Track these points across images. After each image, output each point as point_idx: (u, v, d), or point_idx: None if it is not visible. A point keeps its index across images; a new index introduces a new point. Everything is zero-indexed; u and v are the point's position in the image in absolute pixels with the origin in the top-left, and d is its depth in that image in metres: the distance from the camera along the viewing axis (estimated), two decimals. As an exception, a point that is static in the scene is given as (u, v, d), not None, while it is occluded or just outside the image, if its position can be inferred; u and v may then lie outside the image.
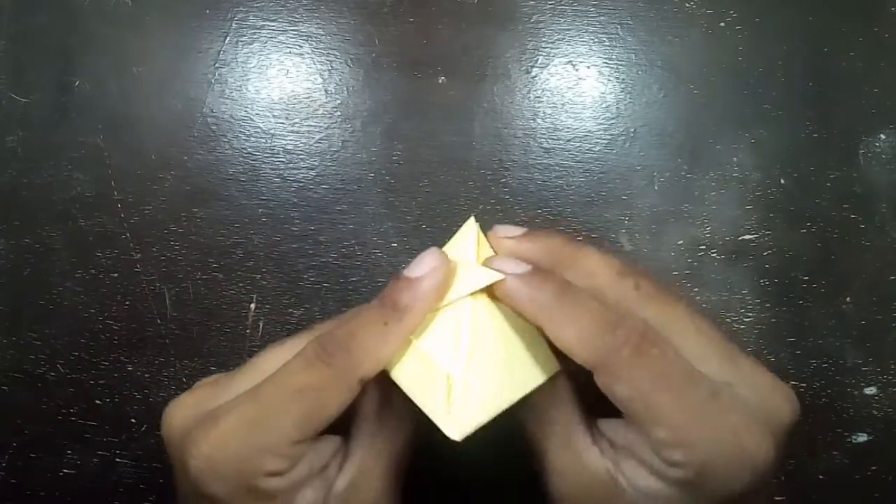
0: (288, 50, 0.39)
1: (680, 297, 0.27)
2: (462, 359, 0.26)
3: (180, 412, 0.26)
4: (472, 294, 0.26)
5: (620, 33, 0.39)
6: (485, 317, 0.26)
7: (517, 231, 0.27)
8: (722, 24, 0.39)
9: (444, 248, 0.28)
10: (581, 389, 0.27)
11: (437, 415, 0.25)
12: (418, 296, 0.25)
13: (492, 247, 0.28)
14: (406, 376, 0.26)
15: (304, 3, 0.39)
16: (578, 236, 0.38)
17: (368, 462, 0.26)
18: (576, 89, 0.39)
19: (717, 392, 0.24)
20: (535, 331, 0.26)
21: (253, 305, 0.38)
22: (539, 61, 0.39)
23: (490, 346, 0.26)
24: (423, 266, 0.26)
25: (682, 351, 0.24)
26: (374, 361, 0.25)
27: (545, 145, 0.38)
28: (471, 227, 0.28)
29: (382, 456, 0.27)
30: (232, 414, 0.24)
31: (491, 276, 0.26)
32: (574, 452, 0.25)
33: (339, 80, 0.39)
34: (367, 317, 0.25)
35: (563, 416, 0.26)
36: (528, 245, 0.27)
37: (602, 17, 0.39)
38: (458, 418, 0.25)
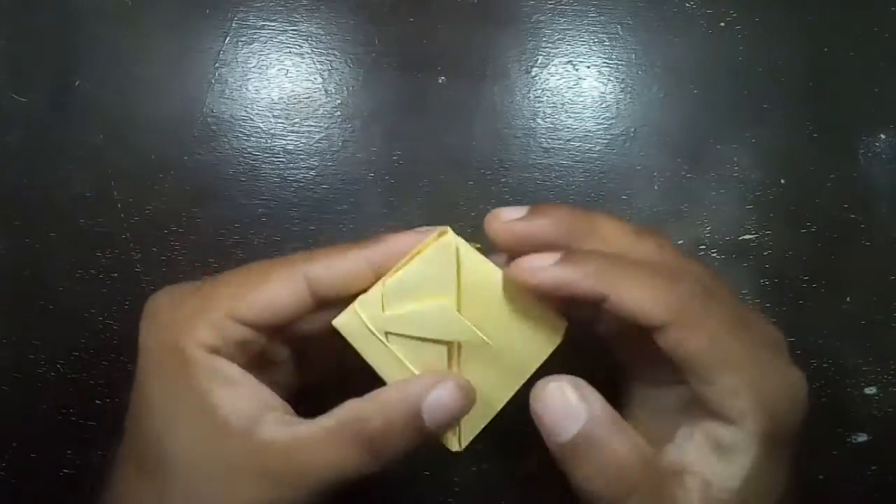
0: (288, 50, 0.39)
1: (693, 257, 0.26)
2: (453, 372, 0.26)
3: (154, 302, 0.27)
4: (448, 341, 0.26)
5: (620, 33, 0.39)
6: (469, 322, 0.26)
7: (520, 211, 0.26)
8: (722, 24, 0.39)
9: (410, 264, 0.26)
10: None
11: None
12: (398, 239, 0.26)
13: (491, 239, 0.26)
14: (389, 372, 0.26)
15: (304, 2, 0.39)
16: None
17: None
18: (576, 89, 0.39)
19: (766, 333, 0.25)
20: (521, 311, 0.26)
21: (253, 305, 0.38)
22: (539, 61, 0.39)
23: (478, 353, 0.26)
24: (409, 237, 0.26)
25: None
26: (327, 269, 0.25)
27: (545, 145, 0.38)
28: (448, 244, 0.26)
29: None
30: (190, 284, 0.27)
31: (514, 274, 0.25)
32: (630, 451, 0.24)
33: (339, 79, 0.39)
34: (343, 246, 0.26)
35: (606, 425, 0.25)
36: (538, 222, 0.25)
37: (602, 17, 0.39)
38: (461, 432, 0.26)
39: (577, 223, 0.25)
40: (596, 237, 0.25)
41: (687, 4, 0.39)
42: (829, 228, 0.38)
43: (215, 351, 0.25)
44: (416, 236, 0.26)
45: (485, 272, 0.26)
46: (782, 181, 0.38)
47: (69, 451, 0.38)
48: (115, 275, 0.38)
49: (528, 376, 0.26)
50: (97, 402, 0.38)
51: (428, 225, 0.38)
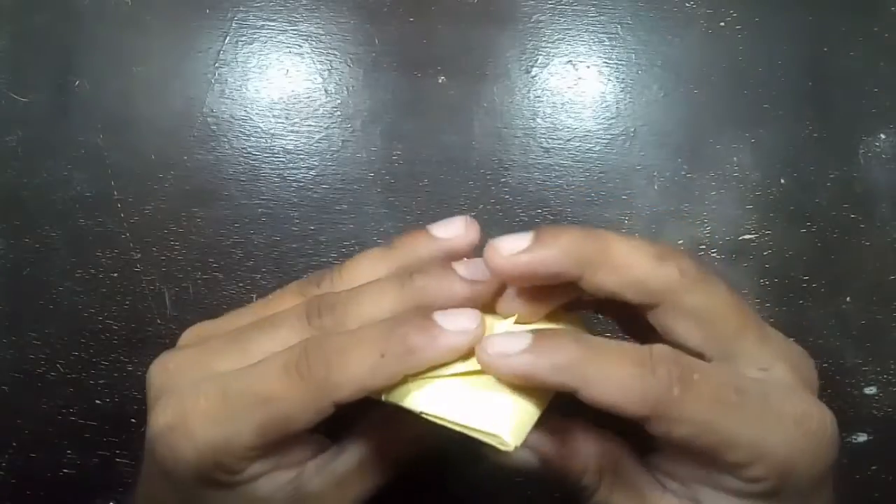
0: (288, 50, 0.39)
1: (718, 274, 0.24)
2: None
3: (159, 377, 0.26)
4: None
5: (620, 33, 0.39)
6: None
7: (523, 241, 0.23)
8: (722, 24, 0.39)
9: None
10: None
11: (489, 425, 0.22)
12: (435, 346, 0.22)
13: (494, 275, 0.24)
14: (426, 398, 0.23)
15: (304, 2, 0.39)
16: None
17: (350, 477, 0.25)
18: (575, 89, 0.39)
19: (765, 391, 0.23)
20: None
21: (253, 305, 0.38)
22: (539, 61, 0.39)
23: None
24: (458, 322, 0.22)
25: (723, 331, 0.23)
26: (356, 390, 0.22)
27: (545, 145, 0.38)
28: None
29: (365, 476, 0.25)
30: (199, 403, 0.23)
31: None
32: None
33: (339, 79, 0.39)
34: (367, 336, 0.22)
35: (626, 473, 0.24)
36: (543, 254, 0.23)
37: (602, 17, 0.39)
38: (508, 424, 0.22)
39: (587, 250, 0.23)
40: (610, 266, 0.23)
41: (687, 4, 0.39)
42: (829, 228, 0.38)
43: (235, 472, 0.24)
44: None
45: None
46: (782, 181, 0.38)
47: (69, 451, 0.38)
48: (115, 275, 0.38)
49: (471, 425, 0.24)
50: (97, 402, 0.38)
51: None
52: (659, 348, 0.22)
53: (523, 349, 0.22)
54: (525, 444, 0.22)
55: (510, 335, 0.22)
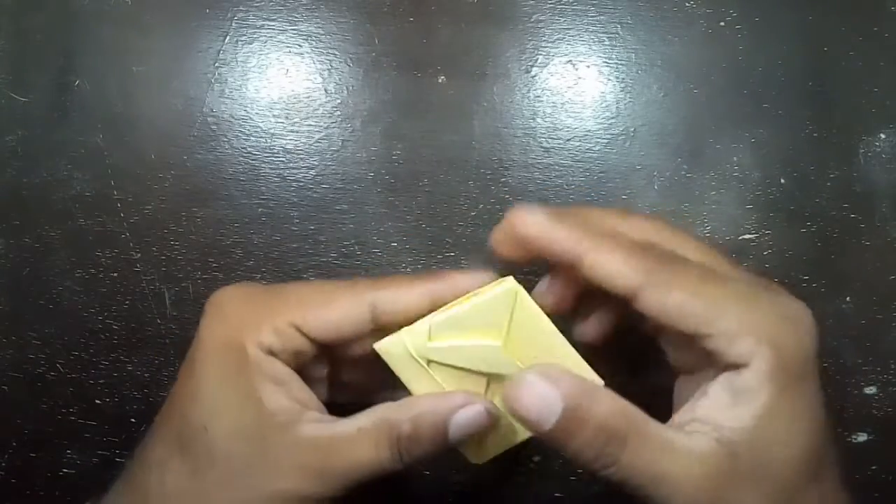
0: (288, 49, 0.39)
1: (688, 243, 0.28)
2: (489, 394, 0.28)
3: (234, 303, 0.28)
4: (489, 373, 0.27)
5: (620, 33, 0.39)
6: (499, 388, 0.27)
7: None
8: (722, 24, 0.39)
9: (465, 303, 0.27)
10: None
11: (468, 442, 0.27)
12: (462, 279, 0.28)
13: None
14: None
15: (304, 2, 0.39)
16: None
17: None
18: (575, 88, 0.39)
19: (751, 281, 0.26)
20: (561, 361, 0.27)
21: (253, 305, 0.38)
22: (539, 60, 0.39)
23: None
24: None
25: (700, 316, 0.25)
26: (392, 298, 0.28)
27: (545, 144, 0.38)
28: (510, 291, 0.27)
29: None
30: (258, 286, 0.29)
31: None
32: (672, 449, 0.25)
33: (339, 79, 0.39)
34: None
35: (649, 428, 0.25)
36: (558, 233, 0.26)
37: (602, 17, 0.39)
38: (484, 448, 0.28)
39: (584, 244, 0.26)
40: (590, 264, 0.26)
41: (687, 4, 0.39)
42: (829, 228, 0.38)
43: (272, 354, 0.27)
44: (479, 278, 0.28)
45: (536, 324, 0.27)
46: (782, 181, 0.38)
47: (69, 451, 0.38)
48: (115, 274, 0.38)
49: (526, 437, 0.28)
50: (97, 401, 0.38)
51: (428, 225, 0.38)
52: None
53: (544, 217, 0.27)
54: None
55: (532, 211, 0.27)
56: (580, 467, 0.25)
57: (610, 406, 0.25)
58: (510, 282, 0.27)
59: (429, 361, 0.27)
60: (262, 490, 0.26)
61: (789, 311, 0.26)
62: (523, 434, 0.28)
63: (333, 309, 0.27)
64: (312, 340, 0.27)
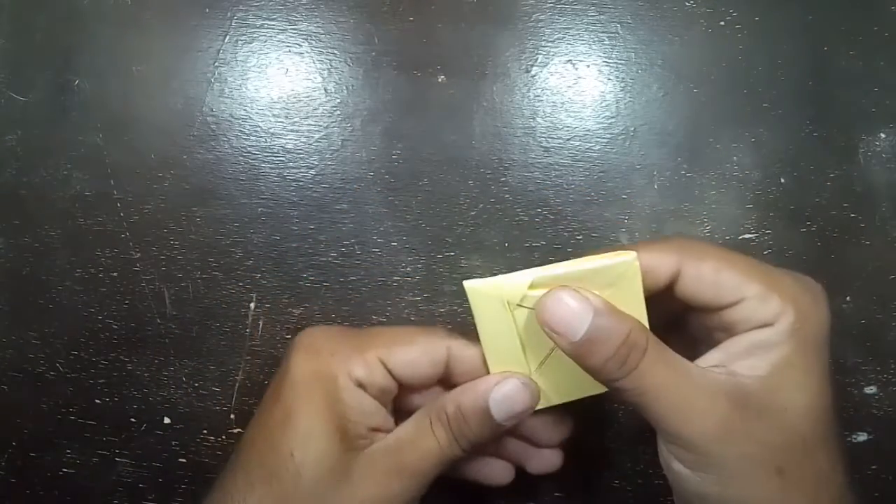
0: (287, 49, 0.39)
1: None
2: (539, 363, 0.29)
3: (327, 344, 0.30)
4: None
5: (620, 32, 0.39)
6: None
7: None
8: (722, 24, 0.39)
9: (581, 264, 0.28)
10: None
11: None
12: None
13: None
14: (497, 360, 0.29)
15: (304, 2, 0.39)
16: (578, 235, 0.38)
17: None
18: (575, 88, 0.39)
19: (769, 264, 0.28)
20: None
21: (252, 304, 0.38)
22: (539, 60, 0.39)
23: (565, 359, 0.28)
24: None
25: (727, 287, 0.27)
26: (465, 347, 0.30)
27: (545, 144, 0.38)
28: (625, 264, 0.27)
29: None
30: (343, 327, 0.33)
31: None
32: (686, 373, 0.26)
33: (339, 78, 0.39)
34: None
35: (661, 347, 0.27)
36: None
37: (602, 16, 0.39)
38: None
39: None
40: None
41: (687, 3, 0.39)
42: (829, 228, 0.38)
43: (361, 386, 0.29)
44: None
45: (633, 304, 0.28)
46: (782, 180, 0.38)
47: (69, 451, 0.38)
48: (115, 274, 0.38)
49: (600, 392, 0.29)
50: (97, 401, 0.38)
51: (428, 224, 0.38)
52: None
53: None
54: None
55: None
56: (601, 378, 0.26)
57: (634, 323, 0.26)
58: (633, 256, 0.27)
59: (516, 305, 0.28)
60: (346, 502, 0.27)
61: (807, 284, 0.28)
62: (566, 398, 0.29)
63: (416, 347, 0.30)
64: (395, 378, 0.30)
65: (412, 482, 0.28)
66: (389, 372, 0.29)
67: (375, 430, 0.29)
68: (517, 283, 0.28)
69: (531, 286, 0.27)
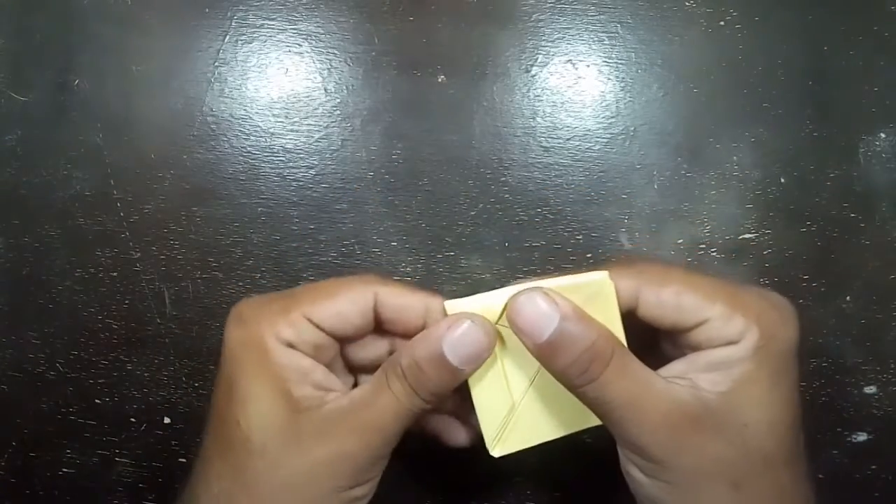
0: (287, 49, 0.39)
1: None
2: (524, 390, 0.29)
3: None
4: None
5: (620, 32, 0.39)
6: None
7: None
8: (722, 23, 0.39)
9: (557, 281, 0.28)
10: None
11: (488, 433, 0.29)
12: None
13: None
14: (480, 387, 0.29)
15: (304, 1, 0.39)
16: (578, 235, 0.38)
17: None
18: (575, 88, 0.39)
19: (733, 282, 0.28)
20: None
21: (252, 304, 0.38)
22: (539, 60, 0.39)
23: (553, 386, 0.28)
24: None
25: (689, 309, 0.27)
26: (394, 296, 0.29)
27: (545, 144, 0.38)
28: (599, 283, 0.28)
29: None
30: (272, 293, 0.30)
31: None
32: (647, 383, 0.26)
33: (339, 78, 0.39)
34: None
35: (628, 359, 0.27)
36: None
37: (602, 16, 0.39)
38: (504, 441, 0.29)
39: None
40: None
41: (686, 3, 0.39)
42: (828, 228, 0.38)
43: (291, 346, 0.28)
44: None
45: (609, 320, 0.28)
46: (782, 180, 0.38)
47: (69, 451, 0.38)
48: (115, 274, 0.38)
49: (586, 427, 0.29)
50: (97, 401, 0.38)
51: (428, 224, 0.38)
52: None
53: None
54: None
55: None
56: (563, 382, 0.27)
57: (600, 330, 0.26)
58: (605, 275, 0.28)
59: (495, 324, 0.28)
60: (304, 467, 0.27)
61: (774, 300, 0.28)
62: (547, 435, 0.29)
63: (340, 299, 0.29)
64: (326, 332, 0.29)
65: (371, 439, 0.27)
66: (318, 327, 0.29)
67: (325, 389, 0.29)
68: (496, 302, 0.28)
69: (509, 304, 0.27)
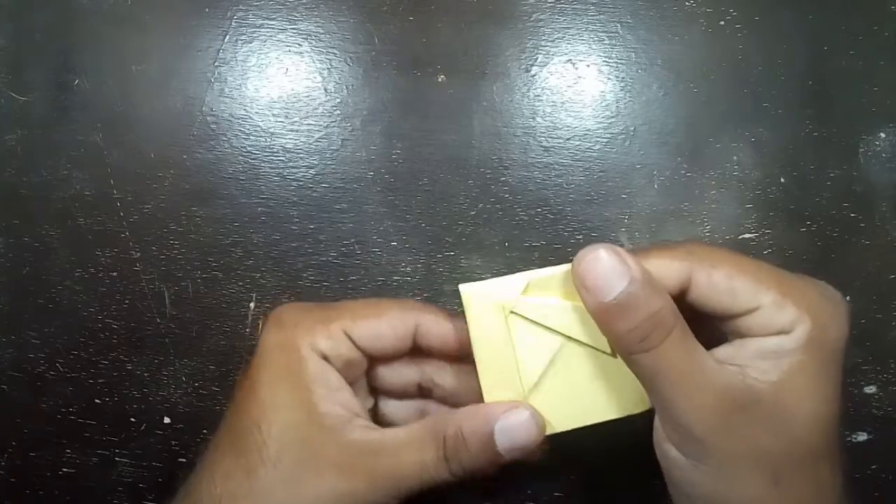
0: (287, 48, 0.39)
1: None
2: (534, 383, 0.28)
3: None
4: (568, 336, 0.28)
5: (620, 32, 0.39)
6: (572, 355, 0.28)
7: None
8: (722, 23, 0.39)
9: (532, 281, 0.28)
10: None
11: None
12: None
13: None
14: (490, 378, 0.28)
15: (304, 1, 0.39)
16: (578, 235, 0.38)
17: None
18: (575, 88, 0.39)
19: (784, 270, 0.27)
20: (621, 372, 0.27)
21: (252, 304, 0.38)
22: (539, 60, 0.39)
23: (563, 378, 0.28)
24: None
25: (741, 295, 0.26)
26: (434, 323, 0.30)
27: (545, 144, 0.38)
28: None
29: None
30: (315, 303, 0.30)
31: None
32: (702, 364, 0.26)
33: (339, 78, 0.39)
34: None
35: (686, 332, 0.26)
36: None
37: (602, 16, 0.39)
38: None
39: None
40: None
41: (686, 3, 0.39)
42: (829, 227, 0.38)
43: (325, 358, 0.28)
44: None
45: None
46: (782, 180, 0.38)
47: (69, 451, 0.38)
48: (115, 274, 0.38)
49: (594, 422, 0.28)
50: (97, 401, 0.38)
51: (428, 224, 0.38)
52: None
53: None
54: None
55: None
56: (619, 347, 0.26)
57: (666, 299, 0.26)
58: None
59: (510, 312, 0.28)
60: (313, 490, 0.27)
61: (827, 292, 0.27)
62: (552, 429, 0.28)
63: (382, 320, 0.29)
64: (361, 350, 0.29)
65: (386, 487, 0.27)
66: (354, 344, 0.29)
67: (349, 411, 0.28)
68: (513, 286, 0.27)
69: (526, 290, 0.27)
